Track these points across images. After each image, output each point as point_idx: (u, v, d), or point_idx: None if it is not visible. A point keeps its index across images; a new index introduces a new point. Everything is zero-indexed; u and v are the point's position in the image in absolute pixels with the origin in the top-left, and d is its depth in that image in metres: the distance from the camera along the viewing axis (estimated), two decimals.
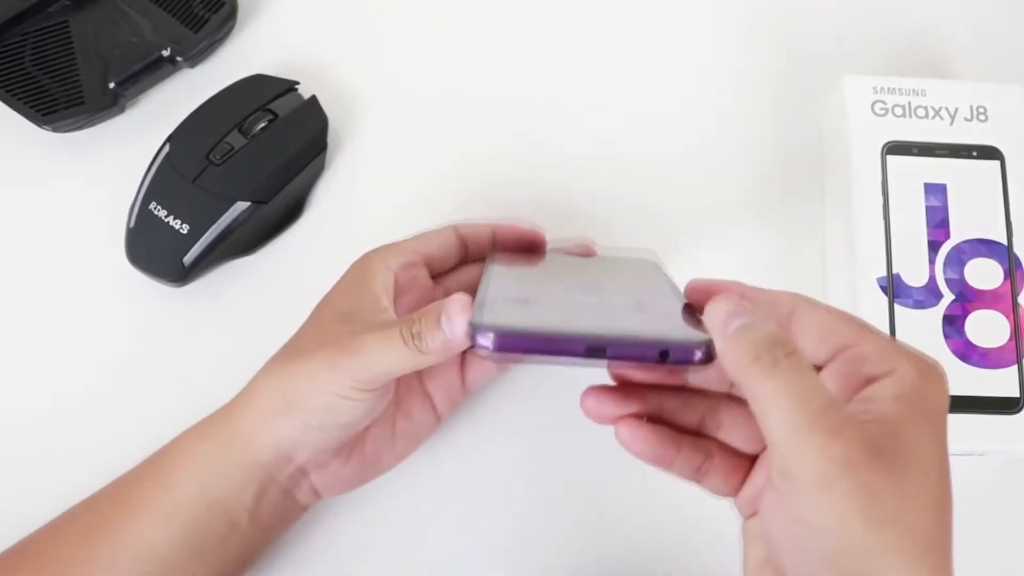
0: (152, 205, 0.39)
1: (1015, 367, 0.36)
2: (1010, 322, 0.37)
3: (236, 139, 0.40)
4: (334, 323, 0.31)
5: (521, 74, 0.45)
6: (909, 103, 0.40)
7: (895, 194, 0.38)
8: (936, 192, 0.38)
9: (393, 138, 0.44)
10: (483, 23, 0.46)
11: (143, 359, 0.40)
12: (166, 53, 0.43)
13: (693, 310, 0.27)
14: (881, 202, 0.38)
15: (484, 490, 0.38)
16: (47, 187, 0.43)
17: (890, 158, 0.39)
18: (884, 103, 0.40)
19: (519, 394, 0.39)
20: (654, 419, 0.28)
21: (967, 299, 0.37)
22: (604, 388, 0.28)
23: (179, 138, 0.41)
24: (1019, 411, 0.36)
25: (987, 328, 0.37)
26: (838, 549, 0.22)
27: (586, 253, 0.36)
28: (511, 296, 0.28)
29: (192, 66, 0.44)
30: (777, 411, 0.23)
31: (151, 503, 0.31)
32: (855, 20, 0.46)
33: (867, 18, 0.46)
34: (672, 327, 0.26)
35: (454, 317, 0.27)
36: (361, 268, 0.34)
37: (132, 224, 0.40)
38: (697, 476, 0.28)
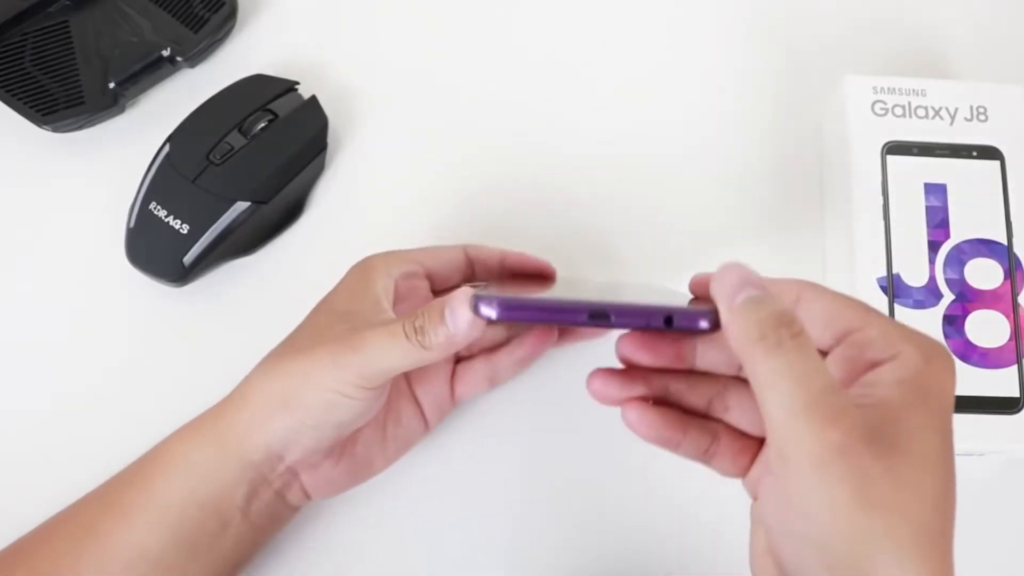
0: (152, 205, 0.39)
1: (1015, 367, 0.36)
2: (1010, 322, 0.37)
3: (236, 139, 0.40)
4: (333, 322, 0.31)
5: (521, 74, 0.45)
6: (909, 103, 0.40)
7: (895, 194, 0.38)
8: (936, 192, 0.38)
9: (393, 138, 0.44)
10: (483, 23, 0.46)
11: (143, 359, 0.40)
12: (166, 53, 0.43)
13: (700, 300, 0.27)
14: (881, 202, 0.38)
15: (483, 490, 0.38)
16: (47, 187, 0.43)
17: (890, 158, 0.39)
18: (884, 103, 0.40)
19: (518, 394, 0.39)
20: (661, 402, 0.28)
21: (967, 299, 0.37)
22: (611, 370, 0.28)
23: (179, 138, 0.41)
24: (1019, 411, 0.36)
25: (987, 328, 0.37)
26: (829, 533, 0.22)
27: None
28: (516, 289, 0.28)
29: (192, 66, 0.44)
30: (776, 392, 0.23)
31: (141, 505, 0.31)
32: (855, 20, 0.46)
33: (867, 18, 0.46)
34: (678, 302, 0.26)
35: (457, 309, 0.27)
36: (362, 270, 0.34)
37: (132, 224, 0.40)
38: (704, 458, 0.28)
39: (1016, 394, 0.36)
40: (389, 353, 0.29)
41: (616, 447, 0.38)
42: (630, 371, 0.28)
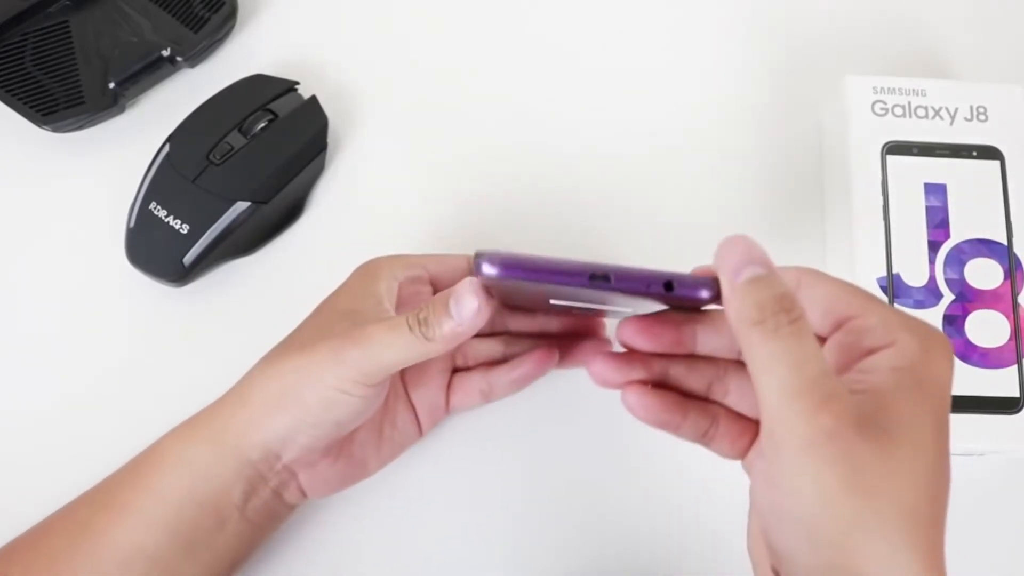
0: (152, 205, 0.39)
1: (1015, 367, 0.36)
2: (1010, 322, 0.37)
3: (236, 139, 0.40)
4: (335, 320, 0.31)
5: (521, 74, 0.45)
6: (909, 103, 0.40)
7: (895, 194, 0.38)
8: (936, 192, 0.38)
9: (393, 138, 0.44)
10: (483, 23, 0.46)
11: (143, 359, 0.40)
12: (166, 53, 0.43)
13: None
14: (881, 202, 0.38)
15: (482, 489, 0.38)
16: (47, 187, 0.43)
17: (890, 158, 0.39)
18: (884, 103, 0.40)
19: (519, 394, 0.39)
20: (661, 385, 0.28)
21: (967, 299, 0.37)
22: (611, 354, 0.28)
23: (179, 138, 0.41)
24: (1019, 411, 0.36)
25: (987, 328, 0.37)
26: (817, 516, 0.22)
27: None
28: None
29: (192, 66, 0.44)
30: (771, 376, 0.23)
31: (137, 503, 0.31)
32: (855, 20, 0.46)
33: (867, 18, 0.46)
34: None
35: (463, 298, 0.27)
36: (366, 272, 0.34)
37: (132, 224, 0.40)
38: (704, 440, 0.28)
39: (1016, 394, 0.36)
40: (391, 346, 0.29)
41: (616, 447, 0.38)
42: (630, 355, 0.28)
